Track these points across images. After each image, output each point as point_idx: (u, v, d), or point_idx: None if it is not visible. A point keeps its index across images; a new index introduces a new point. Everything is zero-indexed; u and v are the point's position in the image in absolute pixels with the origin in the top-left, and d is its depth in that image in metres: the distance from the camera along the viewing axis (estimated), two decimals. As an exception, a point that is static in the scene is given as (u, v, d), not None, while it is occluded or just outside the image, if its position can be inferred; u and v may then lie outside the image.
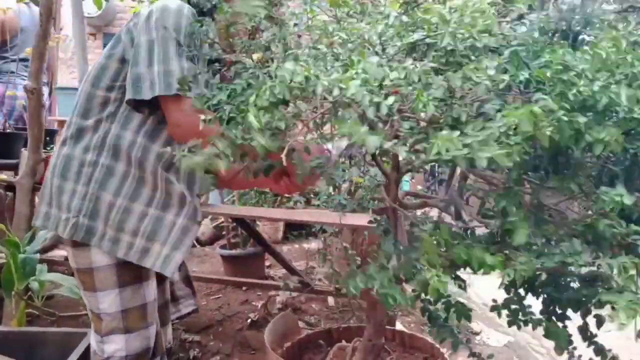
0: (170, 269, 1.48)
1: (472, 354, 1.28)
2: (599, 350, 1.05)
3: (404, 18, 0.92)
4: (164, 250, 1.48)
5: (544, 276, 1.00)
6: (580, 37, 0.92)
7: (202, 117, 0.97)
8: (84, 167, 1.47)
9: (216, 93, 1.04)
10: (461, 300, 1.22)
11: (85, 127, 1.49)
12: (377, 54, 0.90)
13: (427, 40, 0.85)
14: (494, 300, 1.08)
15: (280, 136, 0.95)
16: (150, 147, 1.47)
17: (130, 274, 1.51)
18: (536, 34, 0.83)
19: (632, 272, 0.77)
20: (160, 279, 1.76)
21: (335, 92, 0.73)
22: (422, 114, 0.76)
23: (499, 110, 0.74)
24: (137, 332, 1.54)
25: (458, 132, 0.66)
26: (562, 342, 0.96)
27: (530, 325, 1.04)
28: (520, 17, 0.94)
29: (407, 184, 4.06)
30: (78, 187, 1.47)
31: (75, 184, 1.47)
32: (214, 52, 1.16)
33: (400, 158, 0.73)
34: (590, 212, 0.94)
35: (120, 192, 1.47)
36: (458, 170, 1.20)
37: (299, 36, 1.12)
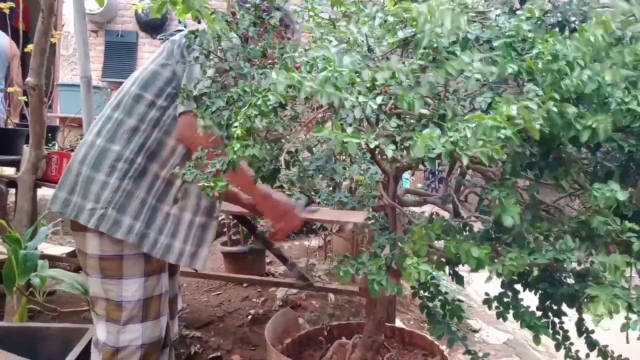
0: (200, 264, 1.63)
1: (468, 352, 1.30)
2: (592, 344, 1.06)
3: (390, 18, 0.93)
4: (189, 248, 1.60)
5: (537, 272, 1.01)
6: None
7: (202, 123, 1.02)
8: (119, 162, 1.52)
9: (214, 100, 1.06)
10: (460, 297, 1.23)
11: (125, 124, 1.55)
12: (366, 54, 0.91)
13: (418, 37, 0.86)
14: (487, 294, 1.10)
15: (277, 145, 0.97)
16: (188, 155, 1.55)
17: (155, 263, 1.58)
18: (525, 26, 0.83)
19: (624, 269, 0.78)
20: (171, 272, 1.84)
21: (318, 96, 0.74)
22: (411, 112, 0.77)
23: (490, 104, 0.74)
24: (153, 321, 1.59)
25: (439, 130, 0.67)
26: (542, 333, 0.97)
27: (519, 319, 1.05)
28: (516, 9, 0.95)
29: (407, 182, 4.07)
30: (110, 180, 1.51)
31: (108, 176, 1.52)
32: (211, 62, 1.17)
33: (388, 156, 0.75)
34: (585, 209, 0.95)
35: (151, 191, 1.55)
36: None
37: (289, 38, 1.13)
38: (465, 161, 0.63)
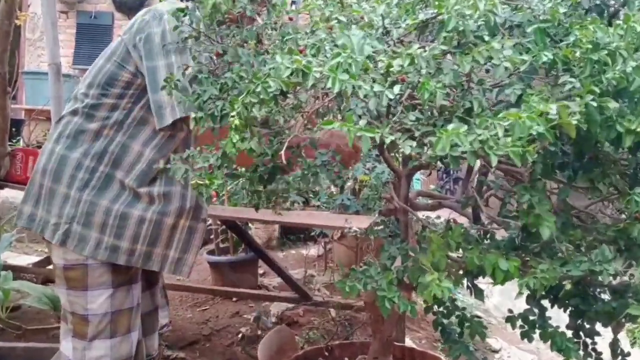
0: (185, 271, 1.64)
1: (489, 376, 1.29)
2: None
3: None
4: (173, 254, 1.61)
5: (569, 286, 1.01)
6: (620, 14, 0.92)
7: (193, 115, 1.01)
8: (80, 171, 1.55)
9: (207, 88, 1.05)
10: (478, 313, 1.23)
11: (86, 130, 1.57)
12: (381, 37, 0.90)
13: (439, 18, 0.85)
14: (510, 311, 1.09)
15: (277, 138, 0.96)
16: (157, 160, 1.57)
17: (125, 273, 1.59)
18: (562, 9, 0.83)
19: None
20: (150, 284, 1.86)
21: (329, 84, 0.73)
22: (431, 103, 0.76)
23: (520, 96, 0.74)
24: (122, 336, 1.60)
25: (466, 127, 0.66)
26: (573, 357, 0.97)
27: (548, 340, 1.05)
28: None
29: (419, 182, 4.06)
30: (71, 192, 1.54)
31: (69, 188, 1.54)
32: (201, 45, 1.15)
33: (406, 153, 0.74)
34: (623, 216, 0.94)
35: (118, 199, 1.56)
36: (477, 166, 1.21)
37: (290, 19, 1.12)
38: (494, 162, 0.62)
